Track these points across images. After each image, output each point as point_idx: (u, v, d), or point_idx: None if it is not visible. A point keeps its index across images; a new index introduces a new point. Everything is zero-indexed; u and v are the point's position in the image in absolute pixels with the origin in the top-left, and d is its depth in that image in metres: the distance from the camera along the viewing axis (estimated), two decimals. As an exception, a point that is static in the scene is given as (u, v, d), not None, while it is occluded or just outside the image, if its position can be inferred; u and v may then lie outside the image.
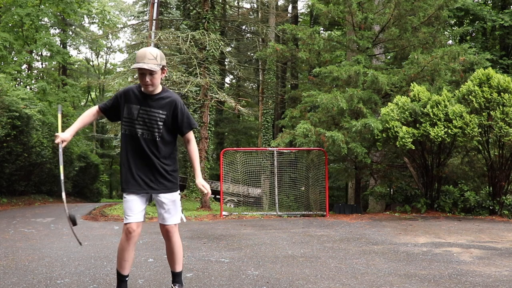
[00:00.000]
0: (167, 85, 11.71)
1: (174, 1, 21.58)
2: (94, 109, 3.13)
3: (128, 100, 2.96)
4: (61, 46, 27.38)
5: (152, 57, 2.84)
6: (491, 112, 8.16)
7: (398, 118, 8.70)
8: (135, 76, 17.55)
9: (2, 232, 6.90)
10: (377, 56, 13.47)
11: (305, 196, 11.70)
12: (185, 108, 3.03)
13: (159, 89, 2.96)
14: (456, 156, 9.97)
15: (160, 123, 2.94)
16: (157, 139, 2.94)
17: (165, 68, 2.98)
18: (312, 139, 9.60)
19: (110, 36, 36.36)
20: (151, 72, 2.84)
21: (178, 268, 3.14)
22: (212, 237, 6.07)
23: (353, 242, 5.62)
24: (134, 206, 2.91)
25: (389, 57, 15.39)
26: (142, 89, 2.93)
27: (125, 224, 2.90)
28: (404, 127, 8.50)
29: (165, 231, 3.06)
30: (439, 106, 8.37)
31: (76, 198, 22.28)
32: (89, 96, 43.08)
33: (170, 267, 3.16)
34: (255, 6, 28.34)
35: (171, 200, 3.01)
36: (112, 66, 43.63)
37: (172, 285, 3.12)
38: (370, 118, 9.32)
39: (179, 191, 3.10)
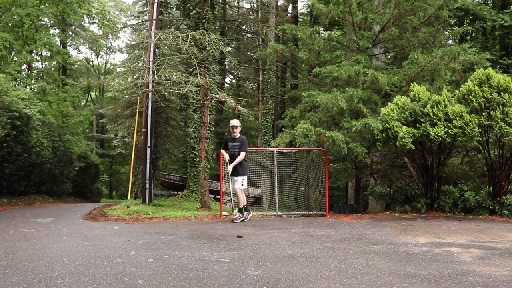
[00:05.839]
0: (167, 85, 11.72)
1: (174, 1, 21.55)
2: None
3: None
4: (61, 46, 27.36)
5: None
6: (491, 112, 8.15)
7: (398, 118, 8.70)
8: (135, 76, 17.55)
9: (2, 232, 6.90)
10: (377, 56, 13.47)
11: (305, 196, 11.69)
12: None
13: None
14: (456, 156, 9.96)
15: None
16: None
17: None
18: (312, 139, 9.59)
19: (110, 36, 36.38)
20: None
21: (239, 205, 7.97)
22: (212, 237, 6.07)
23: (353, 242, 5.62)
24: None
25: (389, 57, 15.38)
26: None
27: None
28: (404, 127, 8.50)
29: (234, 190, 7.93)
30: (439, 106, 8.37)
31: (76, 198, 22.28)
32: (89, 96, 43.10)
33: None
34: (255, 6, 28.34)
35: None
36: (112, 66, 43.64)
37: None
38: (370, 118, 9.31)
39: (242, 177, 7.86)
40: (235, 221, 7.81)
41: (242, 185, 7.84)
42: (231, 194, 8.32)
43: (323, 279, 3.66)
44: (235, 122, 8.12)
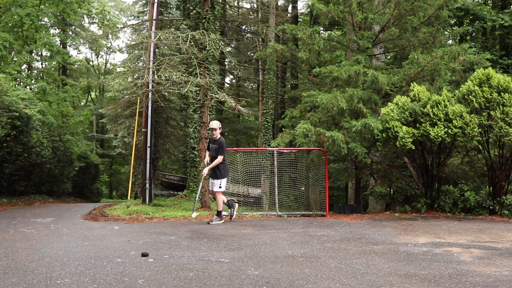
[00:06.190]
0: (167, 85, 11.72)
1: (174, 1, 21.55)
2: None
3: None
4: (61, 46, 27.34)
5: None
6: (491, 112, 8.16)
7: (398, 118, 8.70)
8: (135, 76, 17.55)
9: (2, 232, 6.90)
10: (377, 56, 13.46)
11: (305, 196, 11.69)
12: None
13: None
14: (456, 156, 9.96)
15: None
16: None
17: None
18: (312, 139, 9.59)
19: (110, 36, 36.35)
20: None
21: (217, 209, 7.97)
22: (212, 237, 6.07)
23: (353, 242, 5.62)
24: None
25: (389, 57, 15.38)
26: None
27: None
28: (404, 127, 8.50)
29: (212, 193, 8.11)
30: (439, 106, 8.37)
31: (76, 198, 22.28)
32: (89, 96, 43.09)
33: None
34: (255, 6, 28.32)
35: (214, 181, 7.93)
36: (112, 66, 43.62)
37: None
38: (370, 118, 9.32)
39: (219, 180, 7.88)
40: (210, 223, 7.72)
41: (220, 187, 7.85)
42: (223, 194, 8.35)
43: (323, 279, 3.66)
44: (213, 124, 7.96)
